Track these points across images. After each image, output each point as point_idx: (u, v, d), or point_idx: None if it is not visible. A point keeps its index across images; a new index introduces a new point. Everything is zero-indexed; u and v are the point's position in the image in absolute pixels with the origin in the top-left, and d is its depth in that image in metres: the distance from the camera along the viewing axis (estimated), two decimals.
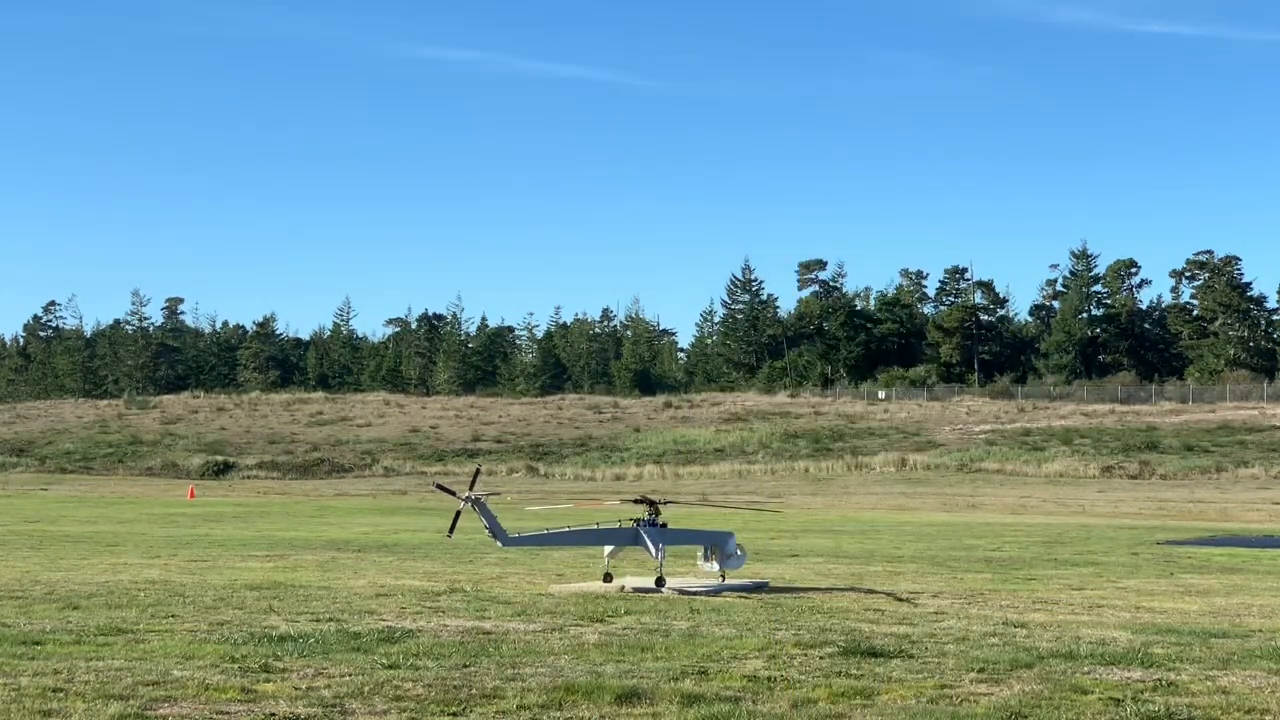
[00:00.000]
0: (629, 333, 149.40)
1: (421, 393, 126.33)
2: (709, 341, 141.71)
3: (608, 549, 11.95)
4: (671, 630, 8.32)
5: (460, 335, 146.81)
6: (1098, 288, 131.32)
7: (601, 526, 12.19)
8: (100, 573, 13.04)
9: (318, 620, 8.66)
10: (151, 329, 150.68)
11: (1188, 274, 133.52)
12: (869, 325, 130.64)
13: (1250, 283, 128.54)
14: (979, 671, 6.90)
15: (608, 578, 11.92)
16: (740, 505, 15.22)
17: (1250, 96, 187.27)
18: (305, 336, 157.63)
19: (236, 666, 6.70)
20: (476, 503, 11.13)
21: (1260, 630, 9.39)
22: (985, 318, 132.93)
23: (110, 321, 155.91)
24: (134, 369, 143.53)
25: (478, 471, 11.73)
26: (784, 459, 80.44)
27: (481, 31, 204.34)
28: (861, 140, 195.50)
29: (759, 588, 12.14)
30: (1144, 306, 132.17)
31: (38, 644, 7.39)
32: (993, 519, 36.52)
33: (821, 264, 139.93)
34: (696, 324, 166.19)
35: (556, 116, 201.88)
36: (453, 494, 11.42)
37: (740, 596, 11.42)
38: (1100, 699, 6.18)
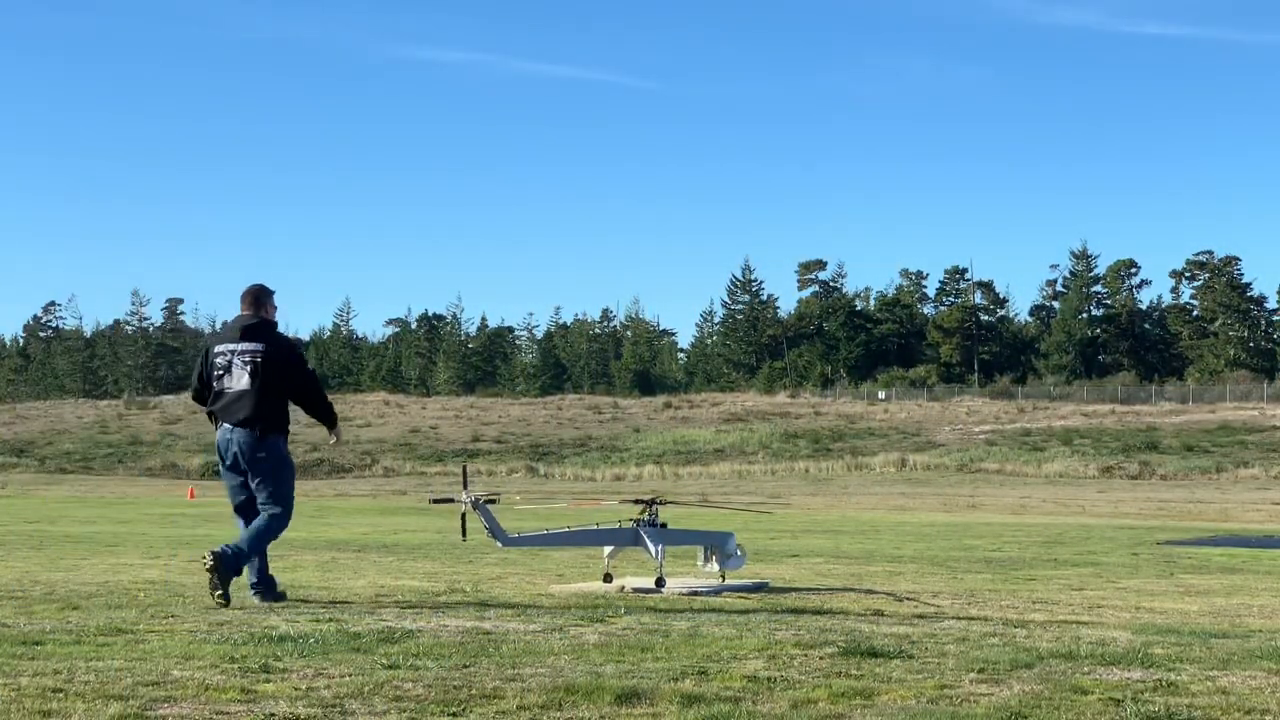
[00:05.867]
0: (629, 333, 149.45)
1: (421, 393, 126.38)
2: (709, 342, 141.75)
3: (607, 549, 11.94)
4: (671, 630, 8.30)
5: (460, 335, 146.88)
6: (1098, 288, 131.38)
7: (601, 526, 12.18)
8: (100, 573, 13.03)
9: (317, 620, 8.65)
10: (151, 329, 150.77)
11: (1188, 274, 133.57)
12: (869, 325, 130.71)
13: (1250, 283, 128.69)
14: (979, 671, 6.89)
15: (608, 578, 11.90)
16: (731, 506, 15.12)
17: (1250, 96, 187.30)
18: (305, 336, 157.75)
19: (236, 667, 6.69)
20: (476, 503, 11.11)
21: (1260, 630, 9.39)
22: (985, 318, 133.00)
23: (110, 322, 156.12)
24: (134, 369, 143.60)
25: (465, 470, 11.64)
26: (784, 459, 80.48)
27: (481, 31, 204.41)
28: (861, 140, 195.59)
29: (759, 588, 12.13)
30: (1144, 307, 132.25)
31: (37, 644, 7.38)
32: (993, 519, 36.55)
33: (821, 264, 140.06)
34: (696, 324, 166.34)
35: (556, 117, 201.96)
36: (451, 500, 11.40)
37: (740, 596, 11.40)
38: (1100, 699, 6.17)
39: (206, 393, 10.16)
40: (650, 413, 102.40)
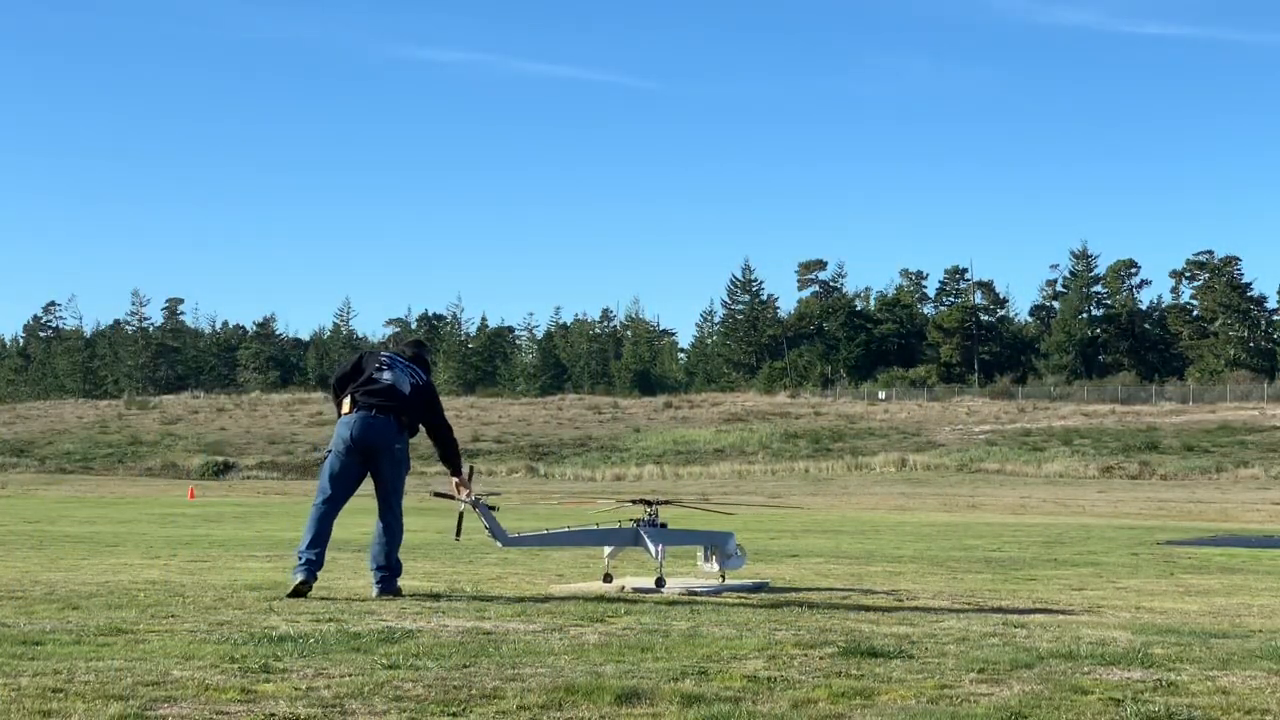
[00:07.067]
0: (629, 333, 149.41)
1: None
2: (709, 342, 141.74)
3: (607, 549, 11.93)
4: (671, 630, 8.30)
5: (460, 335, 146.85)
6: (1098, 288, 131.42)
7: (601, 526, 12.17)
8: (100, 573, 13.02)
9: (318, 620, 8.64)
10: (151, 329, 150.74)
11: (1188, 274, 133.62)
12: (869, 325, 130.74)
13: (1250, 283, 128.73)
14: (979, 671, 6.89)
15: (608, 578, 11.89)
16: (706, 506, 15.17)
17: (1250, 96, 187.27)
18: (305, 337, 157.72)
19: (236, 667, 6.68)
20: (476, 503, 11.11)
21: (1260, 630, 9.38)
22: (985, 318, 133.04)
23: (110, 322, 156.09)
24: (134, 369, 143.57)
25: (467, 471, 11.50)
26: (784, 459, 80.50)
27: (481, 31, 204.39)
28: (861, 140, 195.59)
29: (759, 588, 12.13)
30: (1144, 307, 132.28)
31: (38, 644, 7.37)
32: (993, 519, 36.55)
33: (821, 264, 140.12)
34: (696, 324, 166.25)
35: (556, 117, 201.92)
36: (452, 497, 11.39)
37: (740, 596, 11.40)
38: (1100, 699, 6.17)
39: (349, 384, 10.63)
40: (650, 413, 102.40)
